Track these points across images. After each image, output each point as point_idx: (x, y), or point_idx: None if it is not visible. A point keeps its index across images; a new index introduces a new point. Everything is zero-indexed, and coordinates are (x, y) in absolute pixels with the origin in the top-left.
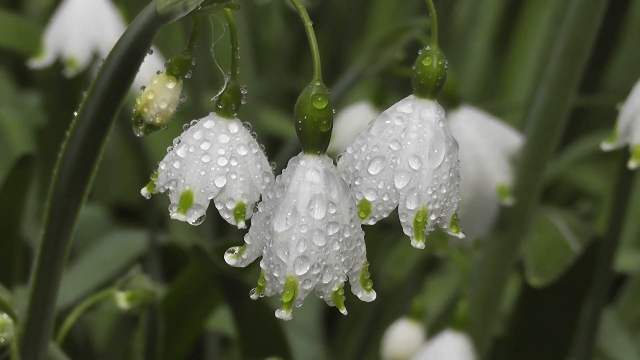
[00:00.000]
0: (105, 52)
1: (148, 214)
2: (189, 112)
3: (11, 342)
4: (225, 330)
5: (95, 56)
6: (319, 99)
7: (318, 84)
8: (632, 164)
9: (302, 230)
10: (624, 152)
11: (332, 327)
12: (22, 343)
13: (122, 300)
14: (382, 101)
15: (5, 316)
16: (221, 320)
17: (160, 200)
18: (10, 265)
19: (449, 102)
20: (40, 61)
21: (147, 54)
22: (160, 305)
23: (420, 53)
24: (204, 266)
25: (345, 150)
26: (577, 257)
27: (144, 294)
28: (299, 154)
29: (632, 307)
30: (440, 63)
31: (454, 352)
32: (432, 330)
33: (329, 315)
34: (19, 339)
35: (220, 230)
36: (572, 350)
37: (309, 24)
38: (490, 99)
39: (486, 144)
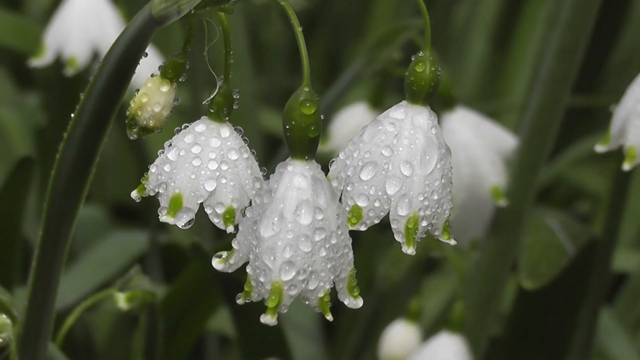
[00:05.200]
0: (106, 51)
1: (148, 214)
2: (189, 112)
3: (10, 342)
4: (225, 330)
5: (95, 56)
6: (307, 104)
7: (307, 89)
8: (626, 166)
9: (289, 236)
10: (621, 153)
11: (331, 327)
12: (21, 343)
13: (121, 300)
14: (379, 101)
15: (4, 317)
16: (221, 320)
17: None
18: (10, 266)
19: (444, 103)
20: (41, 60)
21: (143, 57)
22: (161, 306)
23: (413, 59)
24: (204, 266)
25: (338, 156)
26: (574, 257)
27: (144, 294)
28: (287, 160)
29: (630, 307)
30: (433, 69)
31: (449, 353)
32: (430, 331)
33: None
34: (18, 339)
35: (219, 230)
36: (570, 351)
37: (298, 29)
38: (489, 100)
39: (481, 145)
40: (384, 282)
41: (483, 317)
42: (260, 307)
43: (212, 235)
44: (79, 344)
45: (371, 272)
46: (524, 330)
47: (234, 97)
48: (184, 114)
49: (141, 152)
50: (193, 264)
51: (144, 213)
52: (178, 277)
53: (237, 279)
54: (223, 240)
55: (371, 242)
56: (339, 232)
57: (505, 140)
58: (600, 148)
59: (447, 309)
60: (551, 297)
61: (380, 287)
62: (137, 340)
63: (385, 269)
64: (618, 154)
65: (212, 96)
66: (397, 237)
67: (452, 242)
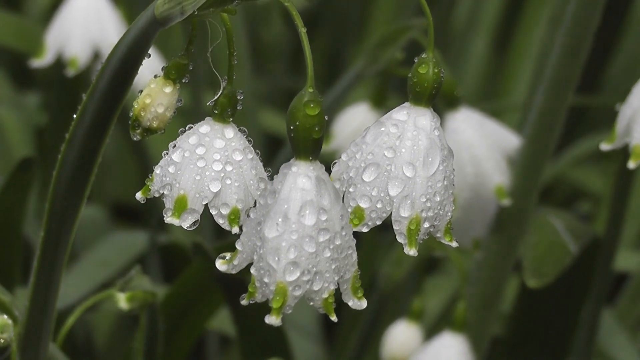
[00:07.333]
0: (106, 52)
1: (148, 214)
2: (189, 113)
3: (11, 342)
4: (225, 330)
5: (96, 56)
6: (311, 105)
7: (311, 90)
8: (631, 164)
9: (293, 236)
10: (624, 152)
11: (332, 327)
12: (22, 344)
13: (122, 300)
14: (381, 101)
15: (5, 317)
16: (221, 320)
17: (160, 201)
18: (11, 266)
19: (448, 102)
20: (41, 61)
21: (146, 57)
22: (161, 306)
23: (416, 60)
24: (204, 266)
25: (340, 157)
26: (576, 257)
27: (144, 294)
28: (291, 160)
29: (631, 307)
30: (436, 71)
31: (452, 352)
32: (432, 331)
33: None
34: (19, 339)
35: (220, 231)
36: (571, 350)
37: (302, 30)
38: (490, 99)
39: (485, 144)
40: (386, 282)
41: (485, 316)
42: (260, 307)
43: (212, 235)
44: (80, 344)
45: (372, 272)
46: (526, 330)
47: (238, 97)
48: (184, 115)
49: (141, 153)
50: (194, 264)
51: (144, 213)
52: (178, 277)
53: (237, 279)
54: (224, 241)
55: (372, 242)
56: (343, 233)
57: (509, 139)
58: (605, 146)
59: (448, 309)
60: (553, 297)
61: (381, 287)
62: (138, 341)
63: (387, 269)
64: (620, 154)
65: (216, 97)
66: (400, 239)
67: (454, 244)
